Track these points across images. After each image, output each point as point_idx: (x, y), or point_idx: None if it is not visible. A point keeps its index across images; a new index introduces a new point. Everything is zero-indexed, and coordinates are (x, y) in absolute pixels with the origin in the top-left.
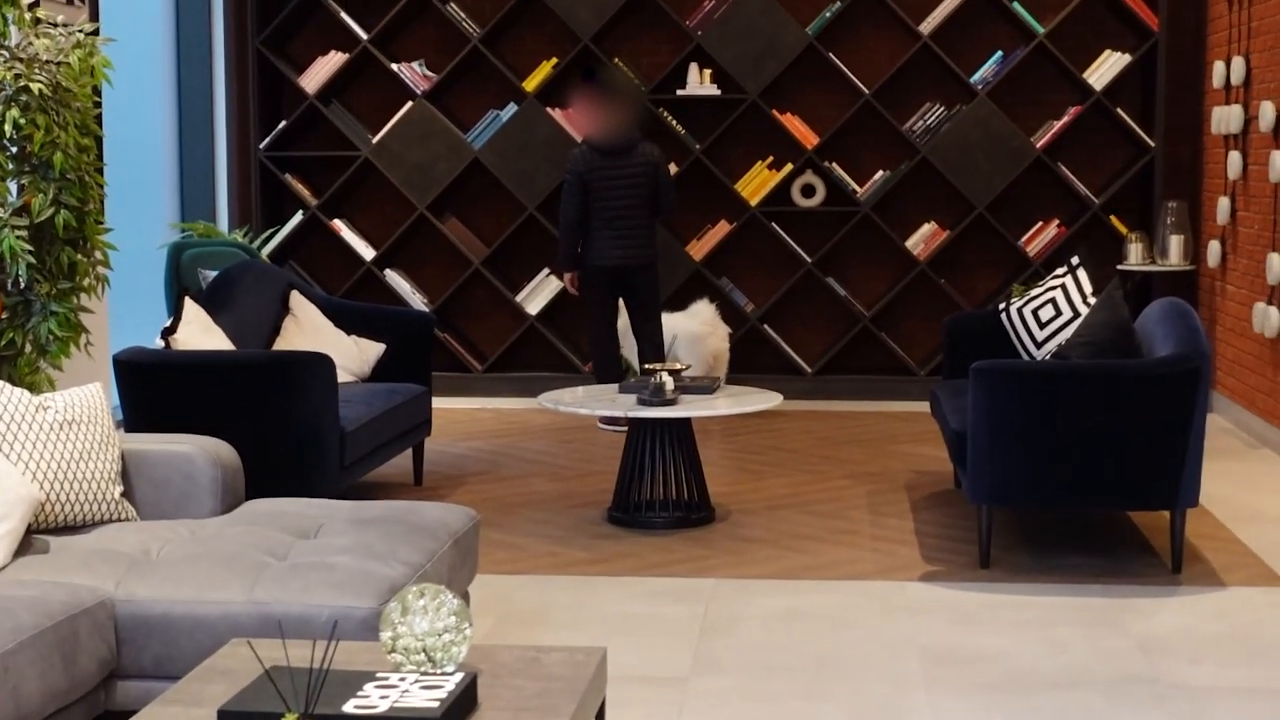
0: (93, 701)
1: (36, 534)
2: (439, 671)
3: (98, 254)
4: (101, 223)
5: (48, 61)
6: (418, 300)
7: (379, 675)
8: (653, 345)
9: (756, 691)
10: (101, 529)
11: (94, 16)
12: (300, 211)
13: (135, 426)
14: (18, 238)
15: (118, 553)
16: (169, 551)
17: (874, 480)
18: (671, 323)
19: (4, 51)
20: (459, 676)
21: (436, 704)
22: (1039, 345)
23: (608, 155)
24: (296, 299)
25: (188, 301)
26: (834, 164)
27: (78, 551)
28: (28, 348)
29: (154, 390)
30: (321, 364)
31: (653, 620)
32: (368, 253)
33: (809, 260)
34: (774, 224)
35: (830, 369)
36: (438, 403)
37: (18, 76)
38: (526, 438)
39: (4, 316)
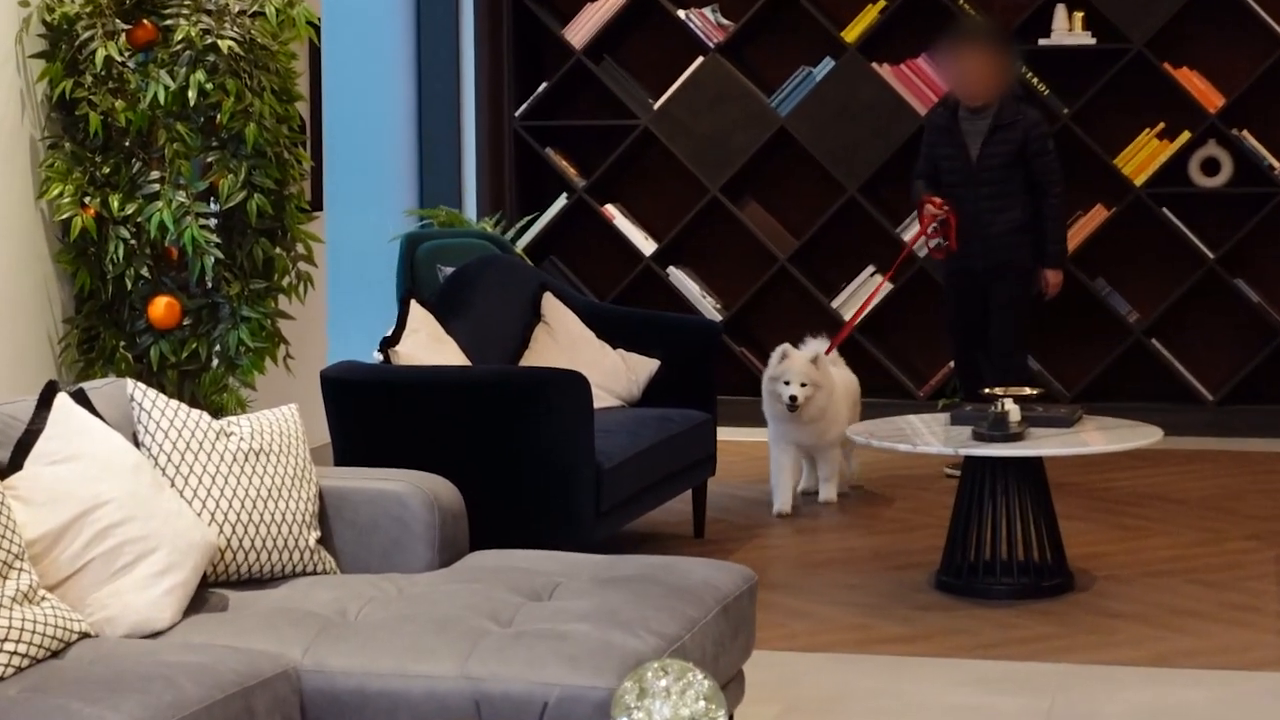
0: None
1: (213, 588)
2: None
3: (299, 247)
4: (305, 210)
5: (240, 13)
6: (708, 305)
7: None
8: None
9: None
10: (291, 583)
11: None
12: (564, 194)
13: (346, 459)
14: (201, 227)
15: (308, 613)
16: (370, 613)
17: None
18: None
19: (188, 3)
20: None
21: None
22: None
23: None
24: (551, 303)
25: (414, 306)
26: (1245, 132)
27: (260, 610)
28: (214, 361)
29: (367, 415)
30: (573, 384)
31: (983, 715)
32: (647, 246)
33: (1211, 256)
34: (1165, 209)
35: (1237, 397)
36: (726, 434)
37: (205, 33)
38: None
39: (185, 324)
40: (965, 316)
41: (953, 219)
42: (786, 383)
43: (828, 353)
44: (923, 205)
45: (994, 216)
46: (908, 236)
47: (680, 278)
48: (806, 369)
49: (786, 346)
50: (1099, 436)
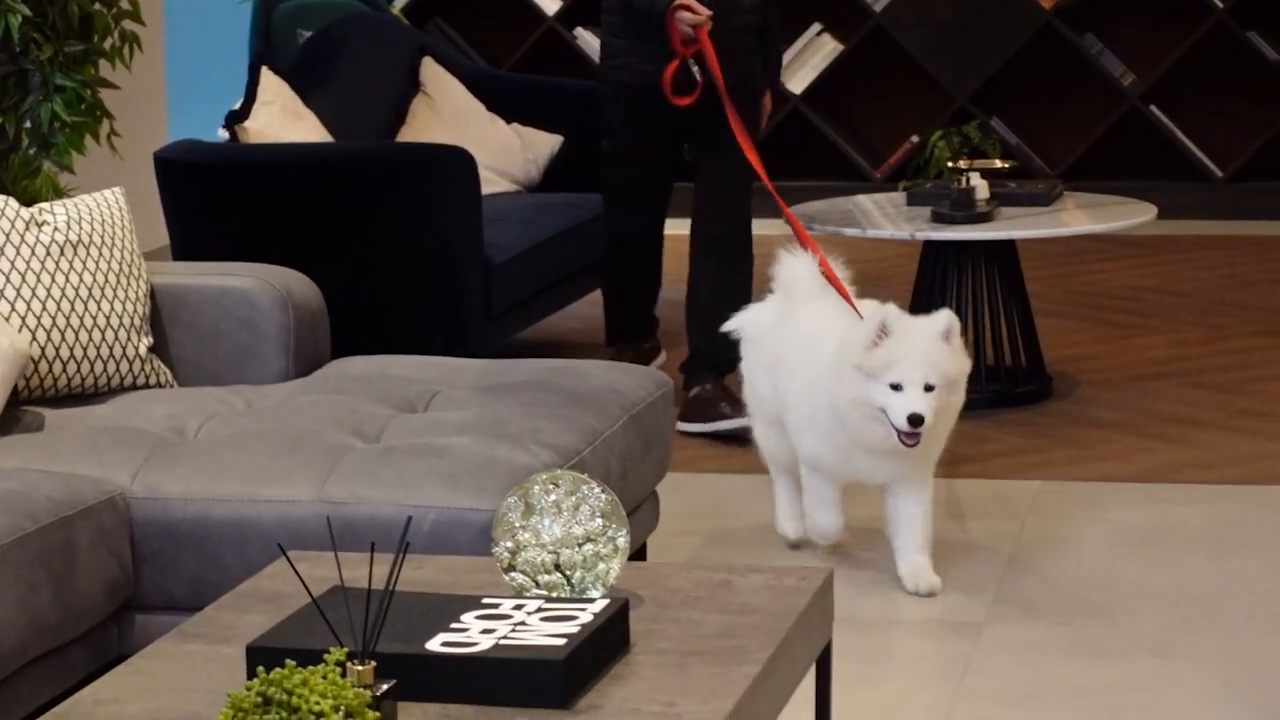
0: (99, 642)
1: (25, 405)
2: (578, 598)
3: (124, 2)
4: None
5: None
6: None
7: (486, 601)
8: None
9: (1081, 644)
10: (119, 399)
11: None
12: None
13: (186, 253)
14: None
15: (139, 431)
16: (212, 430)
17: None
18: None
19: None
20: (603, 605)
21: (562, 642)
22: None
23: None
24: (432, 70)
25: (266, 74)
26: None
27: (82, 430)
28: (24, 140)
29: (210, 203)
30: (456, 163)
31: (945, 540)
32: (550, 3)
33: (1220, 5)
34: None
35: (1249, 173)
36: None
37: None
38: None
39: None
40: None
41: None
42: (898, 387)
43: (828, 274)
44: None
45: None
46: None
47: (589, 40)
48: (942, 356)
49: (890, 309)
50: (1082, 216)
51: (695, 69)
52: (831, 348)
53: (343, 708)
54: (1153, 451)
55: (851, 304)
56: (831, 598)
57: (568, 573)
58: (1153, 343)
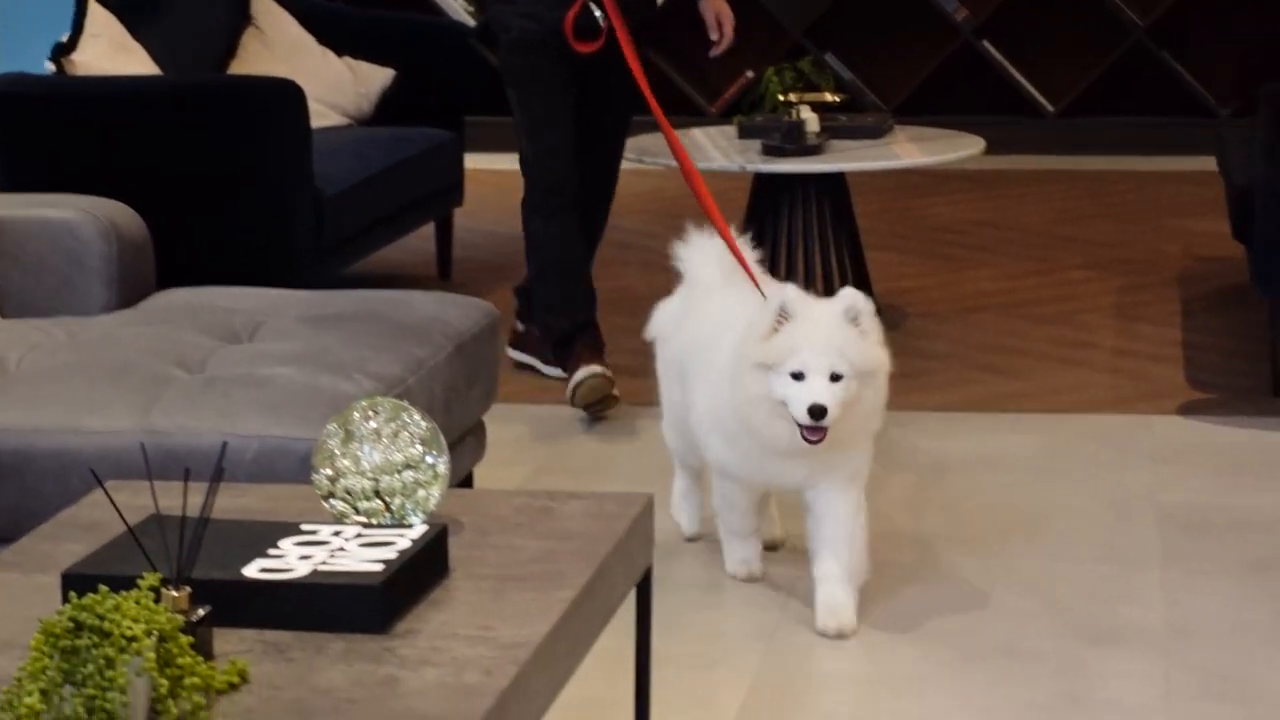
0: None
1: None
2: (397, 524)
3: None
4: None
5: None
6: (457, 4)
7: (305, 528)
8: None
9: (903, 570)
10: None
11: None
12: None
13: (14, 187)
14: None
15: None
16: (34, 361)
17: (1131, 271)
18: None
19: None
20: (422, 531)
21: (380, 568)
22: None
23: None
24: (263, 3)
25: (93, 6)
26: None
27: None
28: None
29: (35, 136)
30: (285, 95)
31: None
32: None
33: None
34: None
35: (1082, 108)
36: (475, 160)
37: None
38: (617, 212)
39: None
40: None
41: None
42: (800, 376)
43: (734, 253)
44: None
45: None
46: None
47: None
48: (849, 341)
49: (789, 290)
50: (912, 149)
51: (598, 14)
52: (734, 340)
53: (156, 632)
54: (979, 382)
55: (759, 288)
56: (652, 523)
57: (388, 499)
58: (981, 275)
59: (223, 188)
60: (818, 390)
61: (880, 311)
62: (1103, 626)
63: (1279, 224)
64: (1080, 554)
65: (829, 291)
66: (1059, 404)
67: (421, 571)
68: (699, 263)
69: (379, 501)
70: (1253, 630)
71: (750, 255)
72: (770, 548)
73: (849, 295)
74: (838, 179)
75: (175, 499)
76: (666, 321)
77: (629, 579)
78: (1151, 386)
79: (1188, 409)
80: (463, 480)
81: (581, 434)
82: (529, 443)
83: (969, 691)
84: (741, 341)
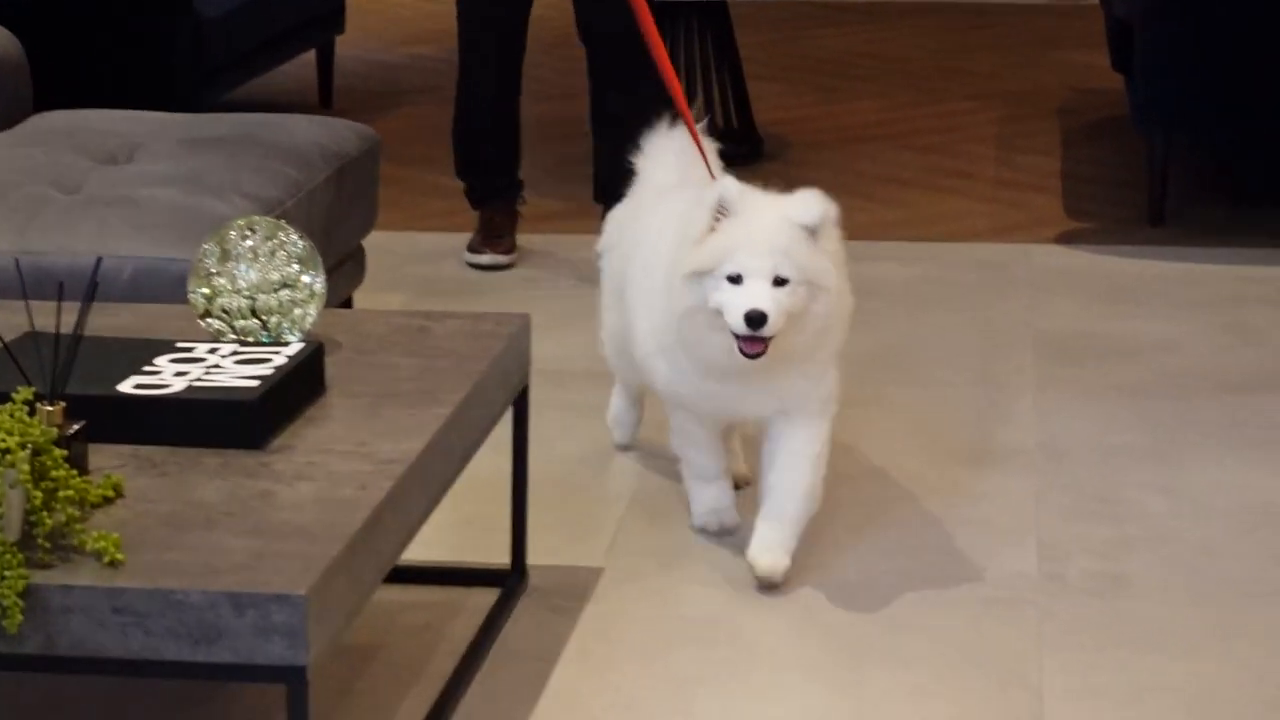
0: None
1: None
2: (274, 342)
3: None
4: None
5: None
6: None
7: (180, 345)
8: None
9: None
10: None
11: None
12: None
13: None
14: None
15: None
16: None
17: (1012, 102)
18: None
19: None
20: (298, 348)
21: (256, 384)
22: None
23: None
24: None
25: None
26: None
27: None
28: None
29: None
30: None
31: None
32: None
33: None
34: None
35: None
36: None
37: None
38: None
39: None
40: None
41: None
42: (737, 280)
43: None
44: None
45: None
46: None
47: None
48: (797, 243)
49: (728, 182)
50: None
51: None
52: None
53: (30, 445)
54: (861, 210)
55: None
56: (528, 342)
57: (264, 318)
58: (864, 106)
59: (101, 9)
60: (756, 294)
61: (760, 142)
62: (976, 449)
63: (1158, 54)
64: (955, 379)
65: (712, 122)
66: (939, 233)
67: (298, 388)
68: (653, 162)
69: (255, 320)
70: (1124, 452)
71: (711, 146)
72: (736, 486)
73: (806, 195)
74: (720, 7)
75: (51, 318)
76: (614, 230)
77: (505, 397)
78: (1030, 216)
79: (1066, 238)
80: (342, 304)
81: (456, 260)
82: (409, 268)
83: (842, 512)
84: (678, 245)
